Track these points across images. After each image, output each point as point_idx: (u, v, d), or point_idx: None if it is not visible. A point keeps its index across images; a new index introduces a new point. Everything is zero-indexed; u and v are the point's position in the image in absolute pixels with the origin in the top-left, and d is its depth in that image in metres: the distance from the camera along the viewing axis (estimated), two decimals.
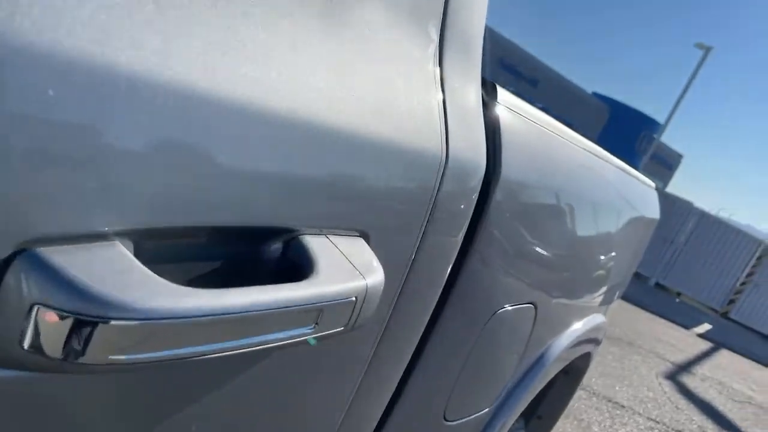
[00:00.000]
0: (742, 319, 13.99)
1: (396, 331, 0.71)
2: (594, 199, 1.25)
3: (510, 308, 0.98)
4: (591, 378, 4.97)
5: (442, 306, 0.81)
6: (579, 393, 4.45)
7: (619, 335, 7.00)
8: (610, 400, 4.75)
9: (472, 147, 0.70)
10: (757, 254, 13.83)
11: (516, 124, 0.86)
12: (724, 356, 9.05)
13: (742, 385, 7.35)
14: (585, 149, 1.17)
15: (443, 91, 0.65)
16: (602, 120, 20.97)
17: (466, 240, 0.78)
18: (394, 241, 0.60)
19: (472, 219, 0.78)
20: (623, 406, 4.75)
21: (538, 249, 1.02)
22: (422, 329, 0.78)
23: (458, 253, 0.77)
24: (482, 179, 0.74)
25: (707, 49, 16.66)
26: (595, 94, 23.03)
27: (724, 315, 14.13)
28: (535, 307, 1.08)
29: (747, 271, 13.94)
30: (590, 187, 1.23)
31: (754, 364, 9.52)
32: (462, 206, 0.72)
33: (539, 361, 1.22)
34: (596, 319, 1.56)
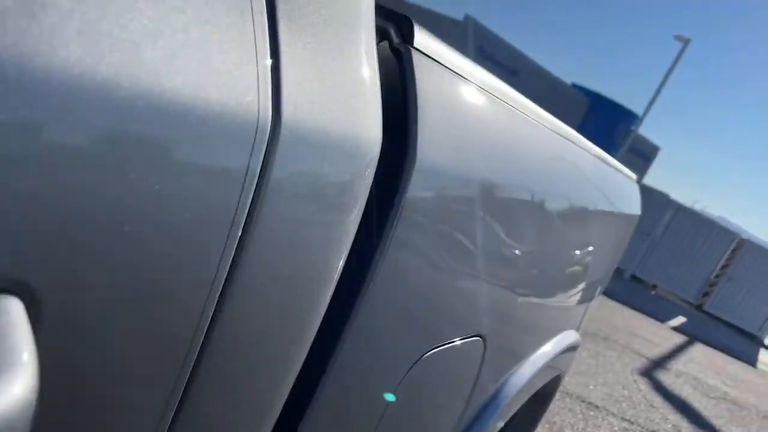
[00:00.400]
0: (716, 311, 14.03)
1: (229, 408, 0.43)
2: (564, 193, 0.98)
3: (445, 347, 0.71)
4: (564, 377, 4.78)
5: (329, 353, 0.53)
6: None
7: (594, 330, 6.83)
8: (583, 400, 4.57)
9: (339, 110, 0.41)
10: (732, 247, 13.84)
11: (445, 84, 0.58)
12: (699, 350, 8.99)
13: (717, 380, 7.26)
14: (553, 130, 0.90)
15: (271, 14, 0.36)
16: (581, 111, 20.89)
17: (367, 250, 0.51)
18: (145, 280, 0.31)
19: (378, 220, 0.51)
20: (597, 407, 4.57)
21: (485, 261, 0.75)
22: (284, 393, 0.49)
23: (356, 267, 0.50)
24: (376, 160, 0.46)
25: (686, 42, 16.57)
26: (575, 86, 22.91)
27: (699, 308, 14.15)
28: (484, 340, 0.80)
29: (722, 263, 13.96)
30: (559, 177, 0.96)
31: (727, 358, 9.48)
32: (338, 198, 0.44)
33: (493, 401, 0.95)
34: (567, 337, 1.30)
